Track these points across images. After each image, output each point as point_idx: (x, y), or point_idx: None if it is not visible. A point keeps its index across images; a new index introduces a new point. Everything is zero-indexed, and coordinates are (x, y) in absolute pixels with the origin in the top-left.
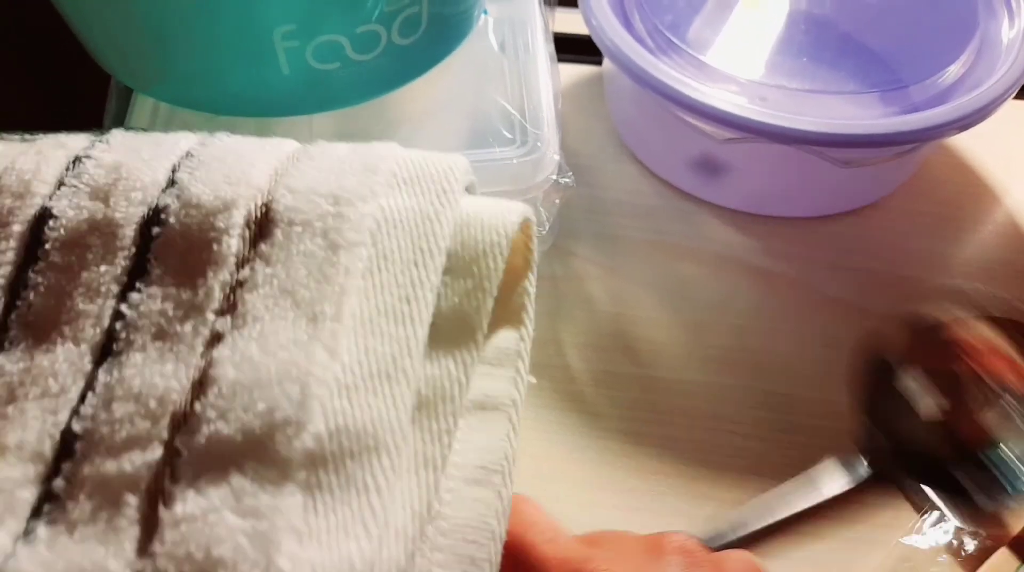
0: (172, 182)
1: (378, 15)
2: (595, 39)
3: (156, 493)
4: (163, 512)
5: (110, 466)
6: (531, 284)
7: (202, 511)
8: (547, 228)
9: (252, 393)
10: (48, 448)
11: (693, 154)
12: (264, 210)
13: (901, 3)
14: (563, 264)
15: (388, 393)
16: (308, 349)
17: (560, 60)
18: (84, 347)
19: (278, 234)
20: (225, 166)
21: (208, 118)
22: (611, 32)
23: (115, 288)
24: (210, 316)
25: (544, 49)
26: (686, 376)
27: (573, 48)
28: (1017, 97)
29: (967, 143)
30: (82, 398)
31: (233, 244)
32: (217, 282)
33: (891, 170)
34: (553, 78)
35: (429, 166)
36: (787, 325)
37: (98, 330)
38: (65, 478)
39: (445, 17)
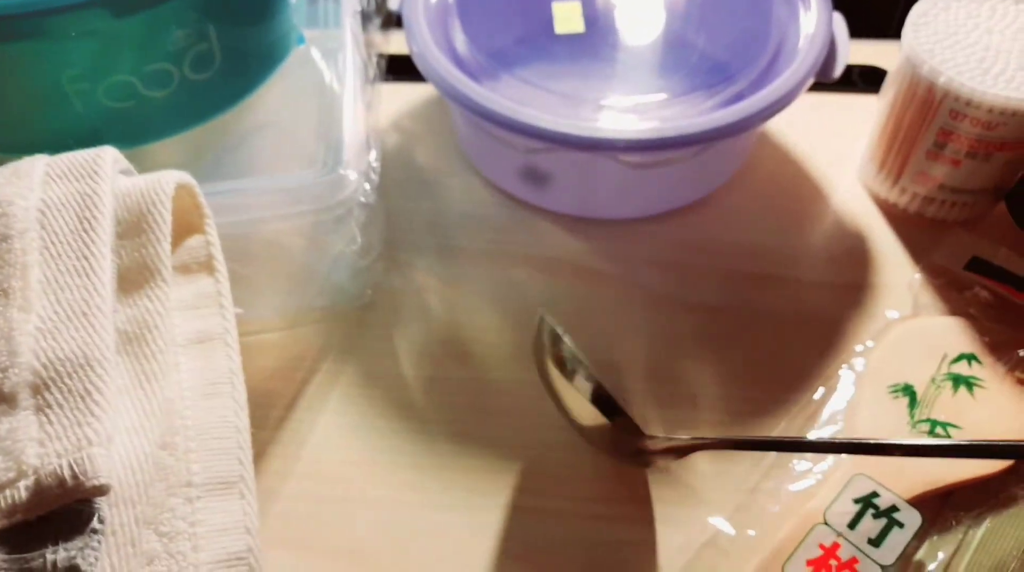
0: None
1: (164, 54)
2: (414, 61)
3: None
4: None
5: None
6: (212, 237)
7: None
8: (359, 244)
9: None
10: None
11: (518, 164)
12: None
13: (711, 5)
14: (403, 277)
15: (87, 325)
16: (5, 314)
17: (415, 80)
18: None
19: None
20: None
21: None
22: (428, 55)
23: None
24: None
25: (354, 73)
26: (515, 376)
27: None
28: (848, 90)
29: (792, 137)
30: None
31: None
32: None
33: (701, 170)
34: (365, 101)
35: (78, 159)
36: (614, 321)
37: None
38: None
39: (243, 52)
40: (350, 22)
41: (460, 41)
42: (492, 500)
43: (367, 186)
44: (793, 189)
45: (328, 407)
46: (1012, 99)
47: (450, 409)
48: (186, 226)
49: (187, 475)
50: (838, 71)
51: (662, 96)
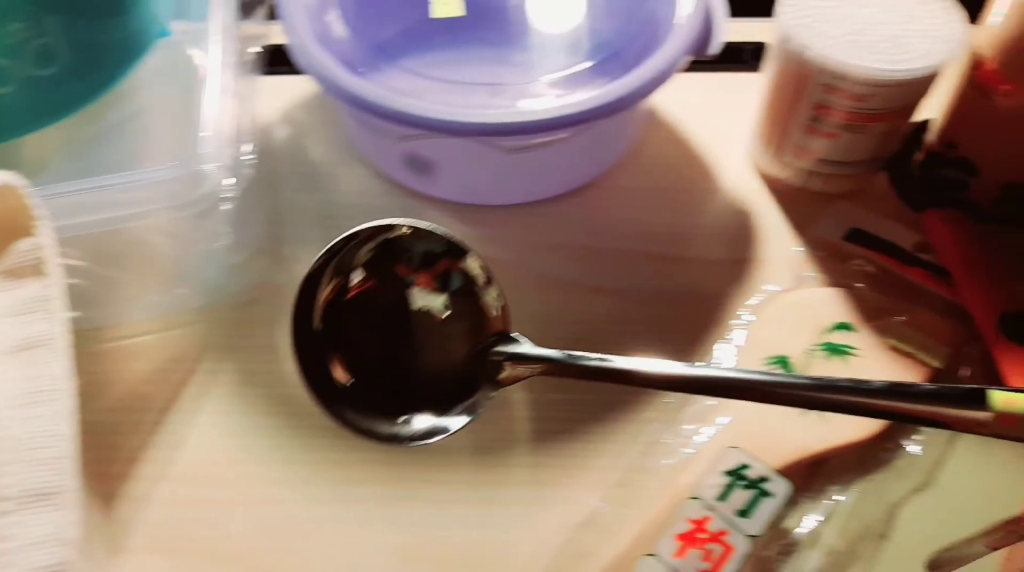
0: None
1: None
2: (289, 51)
3: None
4: None
5: None
6: (45, 240)
7: None
8: (228, 241)
9: None
10: None
11: (400, 153)
12: None
13: None
14: (287, 272)
15: None
16: None
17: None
18: None
19: None
20: None
21: None
22: (300, 45)
23: None
24: None
25: (221, 64)
26: None
27: None
28: (739, 69)
29: (684, 117)
30: None
31: None
32: None
33: (585, 152)
34: (237, 93)
35: None
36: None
37: None
38: None
39: (94, 46)
40: (220, 12)
41: (342, 33)
42: (368, 491)
43: (231, 181)
44: (685, 169)
45: (206, 408)
46: (880, 71)
47: None
48: (12, 230)
49: None
50: (715, 48)
51: (552, 76)
